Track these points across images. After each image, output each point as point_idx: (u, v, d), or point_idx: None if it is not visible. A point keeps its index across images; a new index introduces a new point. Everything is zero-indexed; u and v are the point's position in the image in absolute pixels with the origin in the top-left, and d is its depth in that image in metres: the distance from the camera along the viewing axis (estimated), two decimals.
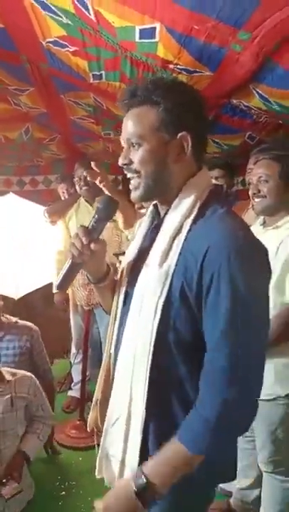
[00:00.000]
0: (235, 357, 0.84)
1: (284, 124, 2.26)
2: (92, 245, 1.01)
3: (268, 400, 1.49)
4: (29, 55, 2.14)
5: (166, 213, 0.99)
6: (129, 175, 0.98)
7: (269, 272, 0.93)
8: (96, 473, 1.08)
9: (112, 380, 1.07)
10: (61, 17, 1.71)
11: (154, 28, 1.58)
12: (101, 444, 1.05)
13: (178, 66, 1.78)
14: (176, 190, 0.97)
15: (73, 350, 2.90)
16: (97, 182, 2.01)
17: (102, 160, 3.11)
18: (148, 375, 0.92)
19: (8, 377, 1.82)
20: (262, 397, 1.48)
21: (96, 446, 1.16)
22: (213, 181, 2.38)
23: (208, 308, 0.87)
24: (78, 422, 2.48)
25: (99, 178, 1.98)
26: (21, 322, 2.17)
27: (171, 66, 1.80)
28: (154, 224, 1.05)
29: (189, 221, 0.92)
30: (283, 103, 1.80)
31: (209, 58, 1.66)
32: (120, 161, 0.98)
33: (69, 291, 2.84)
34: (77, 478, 2.14)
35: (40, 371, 2.14)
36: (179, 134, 0.93)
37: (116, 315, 1.08)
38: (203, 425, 0.86)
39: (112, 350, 1.09)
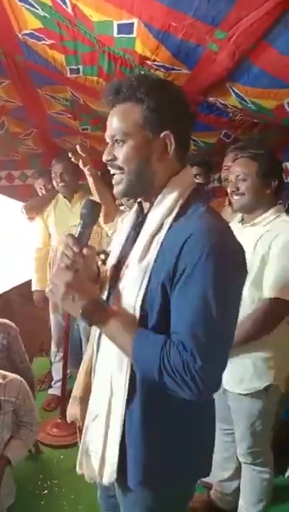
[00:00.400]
0: (199, 346, 0.84)
1: (259, 123, 2.29)
2: (83, 251, 0.99)
3: (247, 394, 1.52)
4: (5, 47, 2.09)
5: (148, 211, 1.00)
6: (112, 171, 0.99)
7: (244, 271, 0.95)
8: (77, 469, 1.09)
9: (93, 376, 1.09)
10: (37, 9, 1.68)
11: (132, 24, 1.57)
12: (82, 439, 1.07)
13: (156, 63, 1.77)
14: (159, 188, 0.98)
15: (53, 348, 2.88)
16: (80, 165, 2.04)
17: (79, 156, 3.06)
18: (129, 370, 0.94)
19: None
20: (241, 391, 1.54)
21: (79, 442, 1.17)
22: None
23: (177, 297, 0.88)
24: (59, 420, 2.48)
25: (81, 160, 2.01)
26: None
27: (148, 62, 1.79)
28: (138, 221, 1.06)
29: (170, 219, 0.94)
30: (258, 102, 1.82)
31: (186, 56, 1.66)
32: (104, 157, 0.98)
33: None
34: (59, 477, 2.14)
35: (19, 369, 2.11)
36: (163, 133, 0.94)
37: None
38: (154, 360, 0.86)
39: (95, 347, 1.10)
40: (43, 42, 1.90)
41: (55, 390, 2.82)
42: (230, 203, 2.17)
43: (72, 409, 1.17)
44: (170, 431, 0.98)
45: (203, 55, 1.62)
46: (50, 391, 2.85)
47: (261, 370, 1.51)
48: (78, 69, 2.04)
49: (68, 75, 2.11)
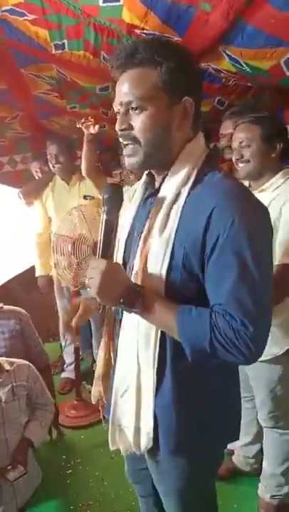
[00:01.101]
0: (248, 313, 0.84)
1: (253, 87, 2.23)
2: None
3: (267, 361, 1.53)
4: None
5: (162, 182, 0.97)
6: (125, 142, 0.94)
7: (271, 230, 0.93)
8: (110, 446, 1.09)
9: (115, 352, 1.09)
10: None
11: None
12: (110, 416, 1.06)
13: (144, 31, 1.70)
14: (174, 157, 0.95)
15: (62, 332, 2.88)
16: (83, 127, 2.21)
17: (70, 135, 2.99)
18: (158, 342, 0.95)
19: (6, 366, 1.80)
20: (261, 358, 1.54)
21: (103, 418, 1.20)
22: None
23: (215, 266, 0.87)
24: (76, 402, 2.50)
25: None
26: (7, 307, 2.13)
27: (137, 31, 1.72)
28: (149, 193, 1.03)
29: (187, 188, 0.91)
30: (254, 63, 1.76)
31: (177, 20, 1.60)
32: (118, 126, 0.93)
33: (53, 274, 2.79)
34: (82, 456, 2.18)
35: (34, 353, 2.14)
36: (184, 98, 0.90)
37: None
38: (204, 335, 0.86)
39: (117, 327, 1.09)
40: (25, 17, 1.81)
41: (69, 373, 2.84)
42: (230, 171, 2.14)
43: (96, 389, 1.17)
44: (200, 397, 0.99)
45: (195, 17, 1.55)
46: (64, 374, 2.87)
47: (279, 336, 1.52)
48: (63, 44, 1.96)
49: (53, 52, 2.02)
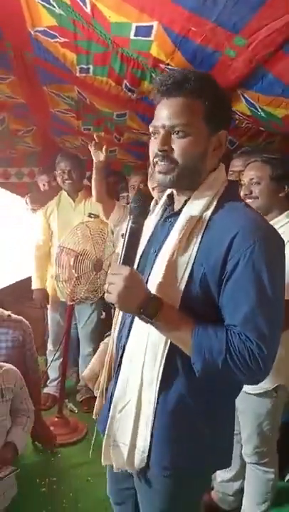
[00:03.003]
0: (263, 338, 0.88)
1: (264, 132, 2.34)
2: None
3: (256, 394, 1.55)
4: (15, 42, 2.08)
5: (184, 205, 1.02)
6: (160, 162, 0.98)
7: (284, 258, 0.97)
8: (102, 462, 1.10)
9: (115, 367, 1.11)
10: (54, 7, 1.68)
11: (151, 27, 1.59)
12: (106, 431, 1.07)
13: (168, 66, 1.80)
14: (199, 182, 1.01)
15: (50, 347, 2.85)
16: (93, 151, 2.24)
17: (80, 155, 3.06)
18: (164, 359, 0.96)
19: None
20: (251, 391, 1.56)
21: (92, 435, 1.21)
22: None
23: (233, 288, 0.90)
24: (56, 419, 2.45)
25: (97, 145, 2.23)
26: (15, 317, 2.14)
27: (161, 66, 1.81)
28: (168, 214, 1.08)
29: (209, 213, 0.97)
30: (269, 110, 1.86)
31: (202, 61, 1.69)
32: (160, 146, 0.97)
33: (49, 287, 2.79)
34: (57, 475, 2.12)
35: (29, 367, 2.14)
36: (220, 131, 0.99)
37: None
38: (219, 351, 0.89)
39: (115, 337, 1.13)
40: (56, 39, 1.90)
41: (51, 389, 2.80)
42: None
43: (99, 404, 1.18)
44: (199, 420, 1.01)
45: (219, 61, 1.64)
46: (46, 390, 2.82)
47: (272, 371, 1.54)
48: (88, 68, 2.05)
49: (78, 74, 2.11)
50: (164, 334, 0.96)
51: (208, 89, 0.96)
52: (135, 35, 1.67)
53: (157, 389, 0.98)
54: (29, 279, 2.89)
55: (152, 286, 0.97)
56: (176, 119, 0.95)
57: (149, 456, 1.01)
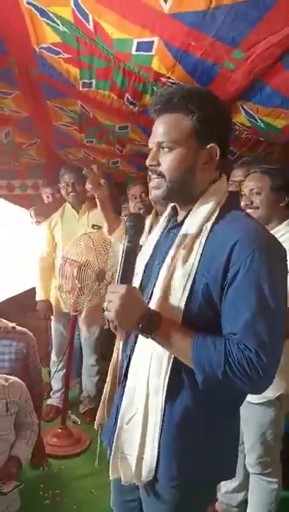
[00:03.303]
0: (263, 345, 0.88)
1: (264, 142, 2.37)
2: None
3: (259, 404, 1.54)
4: (19, 59, 2.14)
5: (186, 216, 1.04)
6: (152, 175, 1.04)
7: (286, 266, 0.98)
8: (110, 475, 1.10)
9: (120, 378, 1.12)
10: (58, 25, 1.73)
11: (152, 42, 1.62)
12: (114, 443, 1.07)
13: (170, 80, 1.84)
14: (197, 194, 1.03)
15: (54, 358, 2.86)
16: (89, 188, 2.02)
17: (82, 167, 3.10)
18: (169, 370, 0.97)
19: (2, 382, 1.81)
20: (253, 400, 1.56)
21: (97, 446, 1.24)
22: None
23: (233, 296, 0.92)
24: (60, 431, 2.45)
25: (93, 182, 1.98)
26: (19, 329, 2.15)
27: (163, 79, 1.85)
28: (172, 225, 1.11)
29: (210, 224, 0.99)
30: (268, 120, 1.90)
31: (202, 74, 1.72)
32: (148, 162, 1.03)
33: (52, 298, 2.81)
34: (60, 487, 2.11)
35: (32, 379, 2.14)
36: (209, 145, 1.00)
37: None
38: (218, 364, 0.90)
39: (120, 348, 1.15)
40: (60, 56, 1.95)
41: (54, 401, 2.80)
42: None
43: (100, 415, 1.20)
44: (201, 432, 1.01)
45: (219, 74, 1.68)
46: (49, 401, 2.82)
47: (275, 380, 1.54)
48: (91, 83, 2.09)
49: (80, 88, 2.15)
50: (165, 348, 0.97)
51: (195, 105, 0.98)
52: (137, 51, 1.71)
53: (164, 398, 0.98)
54: (33, 289, 2.90)
55: (157, 298, 0.99)
56: (164, 135, 1.00)
57: (156, 468, 1.01)
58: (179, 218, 1.09)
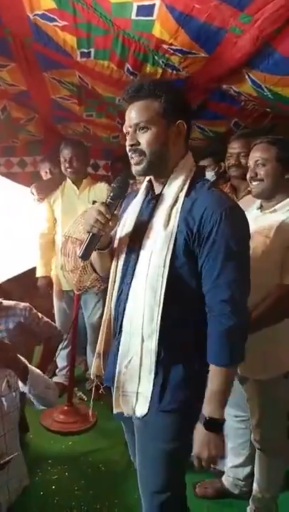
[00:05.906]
0: (231, 290, 1.12)
1: (270, 113, 2.28)
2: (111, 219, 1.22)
3: (265, 381, 1.54)
4: (13, 28, 2.03)
5: (163, 188, 1.24)
6: (133, 155, 1.21)
7: (247, 225, 1.20)
8: (114, 410, 1.26)
9: (115, 331, 1.30)
10: None
11: (154, 5, 1.54)
12: (115, 383, 1.25)
13: (172, 46, 1.74)
14: (171, 168, 1.23)
15: None
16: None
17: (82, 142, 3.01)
18: (160, 319, 1.16)
19: None
20: (260, 377, 1.55)
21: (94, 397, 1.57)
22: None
23: (206, 254, 1.14)
24: (66, 408, 2.47)
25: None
26: (6, 303, 2.12)
27: (165, 46, 1.76)
28: (150, 197, 1.29)
29: (183, 194, 1.20)
30: (276, 89, 1.81)
31: (207, 40, 1.64)
32: (129, 142, 1.21)
33: (53, 276, 2.79)
34: (68, 463, 2.14)
35: (38, 331, 2.21)
36: (178, 122, 1.20)
37: (116, 275, 1.29)
38: (221, 340, 1.14)
39: (113, 306, 1.29)
40: (55, 23, 1.85)
41: (60, 378, 2.81)
42: (234, 190, 2.17)
43: (96, 365, 1.36)
44: (197, 363, 1.20)
45: (224, 39, 1.60)
46: (55, 379, 2.82)
47: (281, 357, 1.53)
48: (89, 52, 2.00)
49: (78, 59, 2.06)
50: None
51: (161, 90, 1.18)
52: (137, 15, 1.63)
53: (156, 343, 1.16)
54: (34, 269, 2.88)
55: (145, 256, 1.18)
56: (139, 117, 1.19)
57: (152, 400, 1.19)
58: (156, 190, 1.27)
